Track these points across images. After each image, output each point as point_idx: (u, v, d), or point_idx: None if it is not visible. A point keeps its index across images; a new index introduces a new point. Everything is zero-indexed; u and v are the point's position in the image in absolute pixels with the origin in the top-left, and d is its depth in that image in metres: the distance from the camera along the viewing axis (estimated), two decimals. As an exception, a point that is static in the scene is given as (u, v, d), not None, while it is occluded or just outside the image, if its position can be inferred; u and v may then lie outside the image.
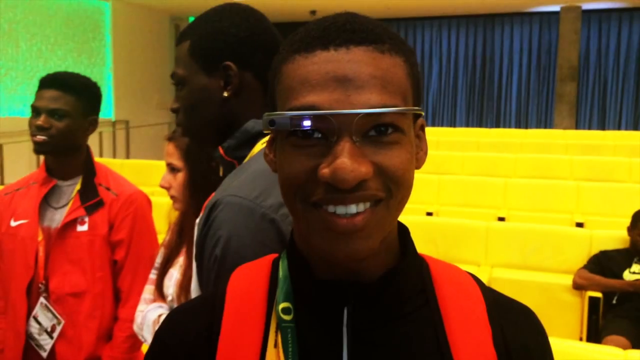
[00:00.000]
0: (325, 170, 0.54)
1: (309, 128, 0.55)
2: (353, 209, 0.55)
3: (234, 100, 1.03)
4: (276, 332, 0.61)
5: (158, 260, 1.59)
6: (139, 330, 1.51)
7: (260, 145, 1.00)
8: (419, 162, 0.63)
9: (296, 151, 0.56)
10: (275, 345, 0.60)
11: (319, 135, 0.55)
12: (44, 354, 1.67)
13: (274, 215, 0.88)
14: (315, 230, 0.57)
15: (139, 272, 1.72)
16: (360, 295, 0.60)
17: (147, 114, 11.09)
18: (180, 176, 1.49)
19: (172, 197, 1.52)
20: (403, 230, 0.66)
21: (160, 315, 1.47)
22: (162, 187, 1.52)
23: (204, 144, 1.10)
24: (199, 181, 1.46)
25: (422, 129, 0.64)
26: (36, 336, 1.67)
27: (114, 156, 9.81)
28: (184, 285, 1.44)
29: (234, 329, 0.62)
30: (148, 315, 1.48)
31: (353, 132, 0.54)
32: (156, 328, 1.41)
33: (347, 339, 0.60)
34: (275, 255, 0.69)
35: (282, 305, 0.62)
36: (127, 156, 10.17)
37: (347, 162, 0.53)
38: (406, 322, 0.62)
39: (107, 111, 10.00)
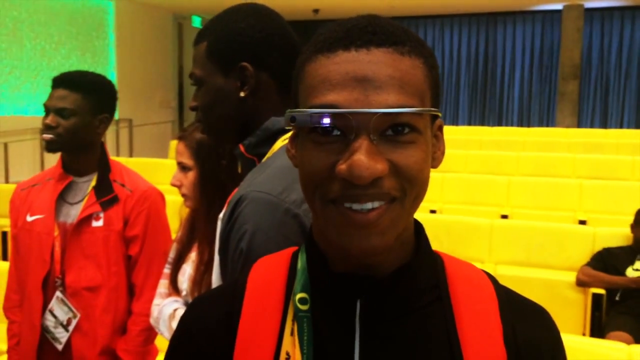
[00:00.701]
0: (342, 167, 0.56)
1: (328, 125, 0.57)
2: (368, 205, 0.57)
3: (250, 100, 1.05)
4: (293, 321, 0.63)
5: (171, 255, 1.62)
6: (155, 323, 1.54)
7: (281, 142, 1.02)
8: (436, 161, 0.65)
9: (316, 147, 0.59)
10: (292, 333, 0.62)
11: (338, 133, 0.58)
12: (60, 347, 1.70)
13: (297, 210, 0.90)
14: (332, 226, 0.59)
15: (152, 267, 1.75)
16: (373, 288, 0.63)
17: (151, 113, 11.12)
18: (191, 175, 1.52)
19: (183, 195, 1.55)
20: (418, 227, 0.68)
21: (175, 310, 1.50)
22: (174, 185, 1.55)
23: (223, 141, 1.13)
24: (209, 179, 1.49)
25: (440, 129, 0.66)
26: (52, 329, 1.70)
27: (117, 154, 9.84)
28: (197, 281, 1.47)
29: (253, 316, 0.65)
30: (164, 310, 1.52)
31: (370, 131, 0.56)
32: (172, 322, 1.45)
33: (359, 330, 0.62)
34: (295, 248, 0.72)
35: (299, 296, 0.64)
36: (131, 154, 10.20)
37: (363, 159, 0.55)
38: (417, 317, 0.64)
39: (111, 110, 10.02)
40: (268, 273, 0.69)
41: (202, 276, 1.46)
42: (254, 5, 1.09)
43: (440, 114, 0.63)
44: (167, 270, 1.61)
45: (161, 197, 1.86)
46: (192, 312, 0.71)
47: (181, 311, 1.49)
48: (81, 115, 1.70)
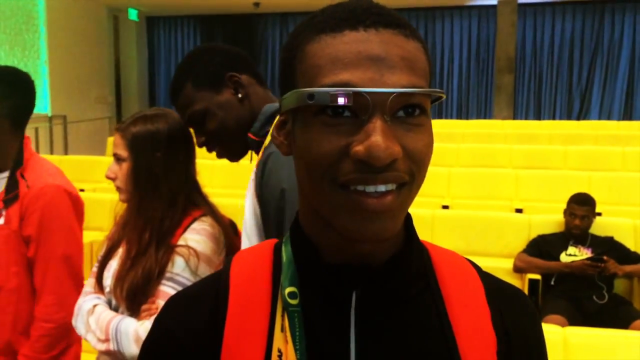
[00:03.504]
0: (359, 148, 0.54)
1: (343, 105, 0.55)
2: (382, 188, 0.55)
3: (247, 99, 1.29)
4: (282, 317, 0.61)
5: (101, 253, 1.55)
6: (74, 321, 1.47)
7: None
8: None
9: (326, 129, 0.56)
10: (282, 330, 0.60)
11: (348, 114, 0.56)
12: None
13: None
14: (343, 210, 0.57)
15: (49, 270, 1.62)
16: (370, 278, 0.61)
17: (86, 109, 10.73)
18: (125, 166, 1.45)
19: (117, 188, 1.48)
20: (406, 217, 0.67)
21: (95, 305, 1.42)
22: (108, 177, 1.48)
23: (241, 148, 1.34)
24: (142, 172, 1.43)
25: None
26: None
27: (52, 152, 9.44)
28: (121, 276, 1.40)
29: (240, 314, 0.62)
30: (83, 305, 1.44)
31: (386, 111, 0.54)
32: (89, 317, 1.38)
33: (354, 322, 0.61)
34: (276, 240, 0.70)
35: (288, 290, 0.62)
36: (66, 152, 9.81)
37: (380, 140, 0.53)
38: (410, 305, 0.63)
39: (43, 106, 9.59)
40: (252, 268, 0.66)
41: (127, 272, 1.39)
42: (202, 46, 1.38)
43: (444, 96, 0.61)
44: (95, 268, 1.53)
45: (64, 195, 1.67)
46: (171, 311, 0.66)
47: (101, 307, 1.42)
48: None
